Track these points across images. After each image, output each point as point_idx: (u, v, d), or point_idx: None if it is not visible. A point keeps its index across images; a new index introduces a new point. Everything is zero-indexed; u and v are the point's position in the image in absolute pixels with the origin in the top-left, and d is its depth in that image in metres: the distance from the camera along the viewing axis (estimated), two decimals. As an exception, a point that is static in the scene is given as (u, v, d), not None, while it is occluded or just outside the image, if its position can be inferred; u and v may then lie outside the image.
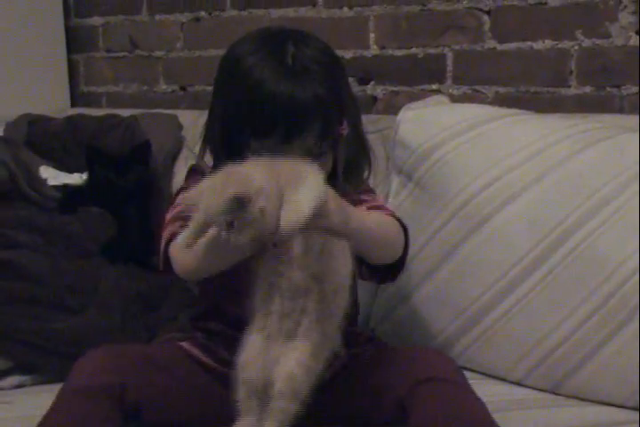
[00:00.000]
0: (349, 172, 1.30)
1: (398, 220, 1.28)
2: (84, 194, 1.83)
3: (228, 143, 1.24)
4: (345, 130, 1.25)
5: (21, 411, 1.38)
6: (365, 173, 1.36)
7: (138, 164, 1.83)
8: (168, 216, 1.26)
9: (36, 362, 1.54)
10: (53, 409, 1.17)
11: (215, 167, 1.24)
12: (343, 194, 1.15)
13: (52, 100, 2.48)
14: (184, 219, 1.14)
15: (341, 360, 1.26)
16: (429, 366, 1.22)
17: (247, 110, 1.19)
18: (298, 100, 1.17)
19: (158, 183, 1.88)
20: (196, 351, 1.30)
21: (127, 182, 1.81)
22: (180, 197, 1.20)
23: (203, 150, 1.32)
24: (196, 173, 1.32)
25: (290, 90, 1.17)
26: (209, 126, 1.30)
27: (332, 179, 1.23)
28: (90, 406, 1.15)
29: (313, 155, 1.19)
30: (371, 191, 1.38)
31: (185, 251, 1.14)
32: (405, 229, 1.27)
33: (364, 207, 1.27)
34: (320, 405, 1.26)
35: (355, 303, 1.40)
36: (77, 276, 1.63)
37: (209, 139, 1.30)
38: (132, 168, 1.82)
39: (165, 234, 1.23)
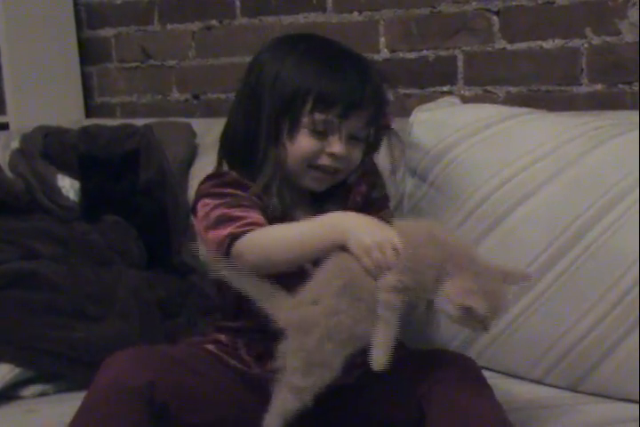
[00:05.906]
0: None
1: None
2: (105, 202, 1.85)
3: (273, 131, 1.27)
4: (390, 124, 1.34)
5: (48, 419, 1.39)
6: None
7: (129, 172, 1.85)
8: (202, 223, 1.25)
9: (59, 371, 1.55)
10: (82, 410, 1.17)
11: (241, 167, 1.30)
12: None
13: (67, 112, 2.50)
14: (232, 220, 1.20)
15: (364, 366, 1.27)
16: (448, 367, 1.23)
17: (313, 84, 1.26)
18: (364, 79, 1.28)
19: (173, 190, 1.89)
20: (221, 353, 1.29)
21: (118, 189, 1.84)
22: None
23: (220, 160, 1.35)
24: (226, 181, 1.30)
25: (356, 71, 1.28)
26: (241, 128, 1.31)
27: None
28: (119, 407, 1.15)
29: (357, 138, 1.29)
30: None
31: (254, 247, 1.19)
32: None
33: None
34: (341, 408, 1.27)
35: None
36: (97, 284, 1.64)
37: (232, 144, 1.33)
38: (124, 176, 1.85)
39: (222, 236, 1.20)
